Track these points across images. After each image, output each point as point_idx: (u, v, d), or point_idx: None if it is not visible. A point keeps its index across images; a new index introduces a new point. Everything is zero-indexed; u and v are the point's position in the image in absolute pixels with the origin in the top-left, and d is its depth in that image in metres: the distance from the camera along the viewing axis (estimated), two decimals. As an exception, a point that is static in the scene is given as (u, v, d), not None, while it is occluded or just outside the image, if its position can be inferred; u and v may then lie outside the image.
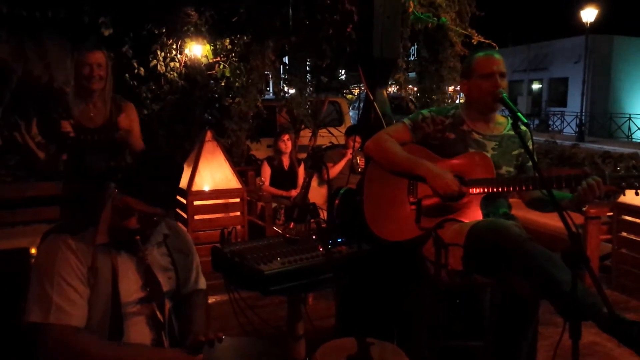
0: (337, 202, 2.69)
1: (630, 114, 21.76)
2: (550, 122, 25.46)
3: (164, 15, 5.66)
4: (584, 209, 3.76)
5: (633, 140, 20.55)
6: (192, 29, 5.66)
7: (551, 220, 3.98)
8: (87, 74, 2.72)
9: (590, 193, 1.98)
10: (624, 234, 3.88)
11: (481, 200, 2.20)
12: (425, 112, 2.42)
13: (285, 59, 8.47)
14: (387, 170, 2.37)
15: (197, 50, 5.86)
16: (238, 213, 4.21)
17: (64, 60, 5.41)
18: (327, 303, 3.35)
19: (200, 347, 1.60)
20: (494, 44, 6.24)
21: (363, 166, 4.09)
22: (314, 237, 2.23)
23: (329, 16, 5.78)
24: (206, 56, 5.97)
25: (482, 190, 2.18)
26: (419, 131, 2.39)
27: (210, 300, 2.15)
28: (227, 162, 4.37)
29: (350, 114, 10.24)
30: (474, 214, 2.19)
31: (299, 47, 6.48)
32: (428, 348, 2.32)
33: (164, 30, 5.75)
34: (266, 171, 5.18)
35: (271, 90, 12.16)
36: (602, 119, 23.04)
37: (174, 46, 5.85)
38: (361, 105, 3.84)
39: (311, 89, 7.26)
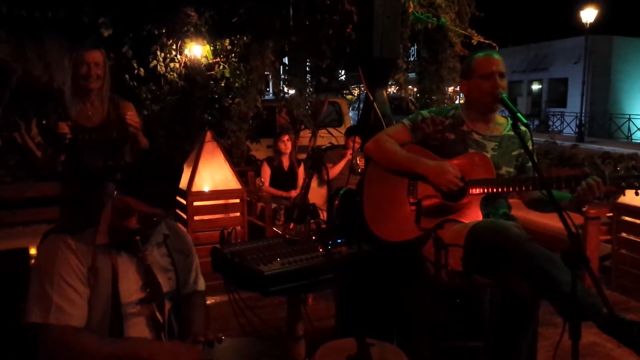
0: (336, 202, 2.69)
1: (630, 115, 21.74)
2: (550, 123, 25.45)
3: (164, 16, 5.64)
4: (584, 209, 3.76)
5: (633, 140, 20.52)
6: (192, 29, 5.65)
7: (551, 221, 3.98)
8: (85, 73, 2.71)
9: (590, 193, 1.98)
10: (624, 234, 3.88)
11: (481, 201, 2.21)
12: (424, 112, 2.42)
13: (285, 60, 8.46)
14: (387, 170, 2.37)
15: (196, 50, 5.86)
16: (238, 214, 4.21)
17: (63, 61, 5.38)
18: (327, 304, 3.35)
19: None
20: (494, 44, 6.24)
21: (363, 167, 4.08)
22: (313, 237, 2.23)
23: (328, 16, 5.77)
24: (206, 57, 5.97)
25: (482, 190, 2.18)
26: (418, 132, 2.39)
27: (210, 300, 2.15)
28: (227, 163, 4.36)
29: (350, 114, 10.22)
30: (474, 215, 2.19)
31: (298, 48, 6.47)
32: (428, 348, 2.32)
33: (163, 31, 5.74)
34: (266, 172, 5.17)
35: (271, 91, 12.14)
36: (602, 119, 23.04)
37: (174, 47, 5.84)
38: (361, 105, 3.83)
39: (311, 89, 7.25)
